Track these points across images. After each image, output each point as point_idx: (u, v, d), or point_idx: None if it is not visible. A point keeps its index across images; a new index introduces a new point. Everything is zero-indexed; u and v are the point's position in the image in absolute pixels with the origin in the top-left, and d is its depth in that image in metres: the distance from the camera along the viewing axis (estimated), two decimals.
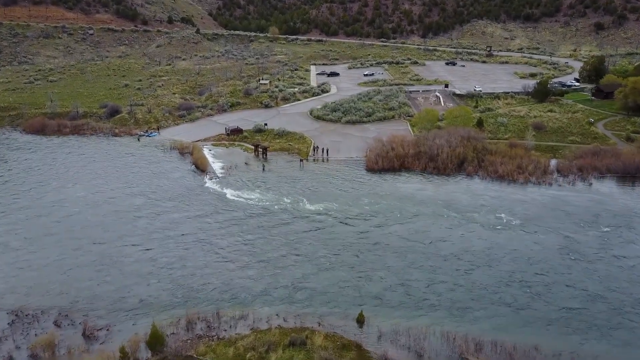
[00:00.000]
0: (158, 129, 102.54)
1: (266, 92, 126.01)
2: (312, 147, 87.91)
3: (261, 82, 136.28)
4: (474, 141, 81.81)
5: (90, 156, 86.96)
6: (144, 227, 60.27)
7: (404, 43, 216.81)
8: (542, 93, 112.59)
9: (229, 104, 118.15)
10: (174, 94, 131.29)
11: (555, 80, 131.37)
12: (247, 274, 49.92)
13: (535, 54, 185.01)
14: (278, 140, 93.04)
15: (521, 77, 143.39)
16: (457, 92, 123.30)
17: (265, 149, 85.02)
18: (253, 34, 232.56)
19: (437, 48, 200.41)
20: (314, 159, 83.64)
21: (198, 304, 45.33)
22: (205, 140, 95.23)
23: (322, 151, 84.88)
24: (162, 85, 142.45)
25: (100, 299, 46.50)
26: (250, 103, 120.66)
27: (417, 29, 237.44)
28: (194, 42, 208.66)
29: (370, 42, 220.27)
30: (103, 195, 69.77)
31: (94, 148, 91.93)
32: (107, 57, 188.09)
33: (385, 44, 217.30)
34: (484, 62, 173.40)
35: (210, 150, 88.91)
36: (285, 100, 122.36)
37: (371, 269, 50.32)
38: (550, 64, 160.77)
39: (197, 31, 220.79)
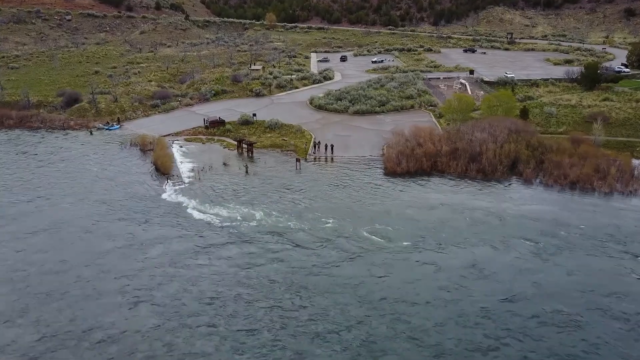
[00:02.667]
0: (119, 121, 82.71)
1: (258, 79, 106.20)
2: (312, 143, 68.21)
3: (253, 68, 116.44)
4: (525, 135, 61.98)
5: (17, 155, 67.12)
6: (43, 264, 40.47)
7: (413, 31, 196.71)
8: (591, 79, 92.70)
9: (213, 92, 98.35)
10: (150, 81, 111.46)
11: (603, 65, 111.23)
12: None
13: (563, 41, 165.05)
14: (269, 135, 73.34)
15: (555, 64, 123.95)
16: (485, 78, 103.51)
17: (250, 146, 65.20)
18: (248, 21, 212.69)
19: (452, 36, 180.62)
20: (314, 158, 63.94)
21: None
22: (177, 134, 75.49)
23: (325, 148, 65.18)
24: (139, 72, 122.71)
25: None
26: (239, 91, 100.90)
27: (427, 16, 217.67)
28: (182, 29, 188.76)
29: (376, 30, 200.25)
30: (7, 209, 50.01)
31: (32, 144, 72.08)
32: (83, 44, 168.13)
33: (393, 32, 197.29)
34: (506, 49, 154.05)
35: (181, 146, 69.17)
36: (281, 88, 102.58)
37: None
38: (584, 51, 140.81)
39: (186, 18, 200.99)
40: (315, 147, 66.31)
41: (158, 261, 39.75)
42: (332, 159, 63.72)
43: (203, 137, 74.15)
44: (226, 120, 78.14)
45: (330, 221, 45.47)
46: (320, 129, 75.05)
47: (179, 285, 36.61)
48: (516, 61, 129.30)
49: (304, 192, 52.51)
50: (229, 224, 45.65)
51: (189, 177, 56.87)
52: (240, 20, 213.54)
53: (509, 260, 39.07)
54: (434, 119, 79.02)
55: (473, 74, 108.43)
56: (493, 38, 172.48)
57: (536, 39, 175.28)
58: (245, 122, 78.15)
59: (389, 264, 38.80)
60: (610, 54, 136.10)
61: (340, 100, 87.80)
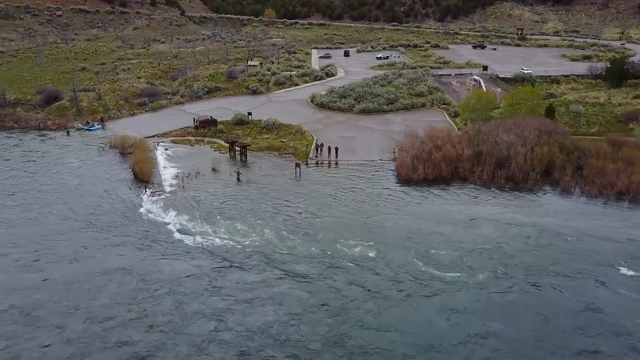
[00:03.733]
0: (102, 121, 74.98)
1: (255, 76, 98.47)
2: (313, 145, 60.58)
3: (249, 63, 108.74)
4: (557, 137, 54.29)
5: None
6: None
7: (418, 27, 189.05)
8: (618, 75, 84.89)
9: (206, 89, 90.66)
10: (139, 78, 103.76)
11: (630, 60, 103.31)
12: None
13: (577, 37, 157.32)
14: (266, 136, 65.65)
15: (572, 60, 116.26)
16: (500, 75, 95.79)
17: (244, 148, 57.48)
18: (246, 17, 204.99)
19: (459, 32, 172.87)
20: (316, 163, 56.30)
21: None
22: (163, 135, 67.78)
23: (329, 151, 57.50)
24: (128, 68, 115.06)
25: None
26: (234, 88, 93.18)
27: (432, 12, 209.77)
28: (177, 25, 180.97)
29: (379, 27, 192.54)
30: None
31: (2, 146, 64.37)
32: (73, 40, 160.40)
33: (397, 28, 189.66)
34: (517, 45, 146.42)
35: (166, 149, 61.43)
36: (279, 85, 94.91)
37: None
38: (601, 47, 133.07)
39: (182, 13, 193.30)
40: (317, 150, 58.67)
41: (132, 296, 32.05)
42: (336, 163, 56.09)
43: (192, 138, 66.46)
44: (218, 120, 70.46)
45: (345, 243, 37.75)
46: (323, 130, 67.37)
47: (139, 337, 28.89)
48: (530, 57, 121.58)
49: (306, 203, 44.81)
50: (212, 245, 37.95)
51: (171, 186, 49.15)
52: (238, 17, 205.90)
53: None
54: (448, 119, 71.37)
55: (487, 70, 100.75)
56: (502, 34, 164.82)
57: (547, 35, 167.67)
58: (240, 122, 70.44)
59: (475, 308, 29.99)
60: (630, 49, 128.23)
61: (345, 98, 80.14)
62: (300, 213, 42.71)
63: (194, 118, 71.45)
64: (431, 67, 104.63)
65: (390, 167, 53.77)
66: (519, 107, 63.29)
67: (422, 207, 43.81)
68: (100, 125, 73.28)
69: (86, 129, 72.03)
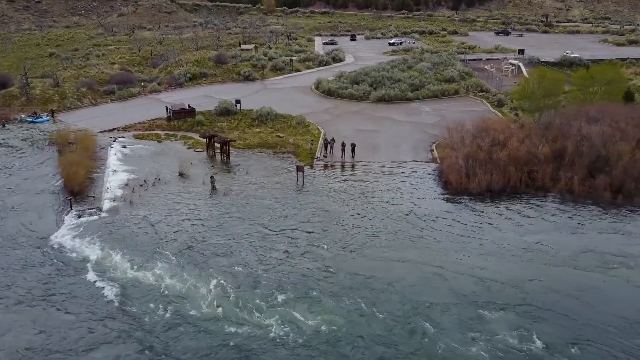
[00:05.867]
0: (52, 112, 59.32)
1: (249, 61, 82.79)
2: (321, 141, 45.03)
3: (242, 47, 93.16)
4: None
5: None
6: None
7: (430, 15, 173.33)
8: None
9: (189, 75, 75.05)
10: (113, 64, 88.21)
11: None
12: None
13: (610, 24, 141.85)
14: (258, 130, 50.11)
15: (617, 44, 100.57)
16: (542, 59, 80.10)
17: (226, 145, 41.74)
18: (243, 5, 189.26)
19: (476, 19, 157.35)
20: (325, 165, 40.73)
21: None
22: (126, 128, 52.22)
23: (343, 149, 41.84)
24: (103, 54, 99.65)
25: None
26: (223, 75, 77.57)
27: (445, 0, 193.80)
28: (167, 12, 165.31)
29: (388, 15, 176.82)
30: None
31: None
32: (50, 27, 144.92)
33: (407, 16, 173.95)
34: (545, 32, 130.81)
35: (124, 147, 45.78)
36: (277, 71, 79.37)
37: None
38: None
39: (173, 0, 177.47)
40: (326, 147, 43.04)
41: None
42: (352, 165, 40.53)
43: (162, 132, 50.88)
44: (199, 110, 54.97)
45: (385, 315, 22.09)
46: (332, 122, 51.82)
47: None
48: (567, 43, 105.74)
49: (312, 230, 29.21)
50: (161, 310, 22.36)
51: (114, 200, 33.49)
52: (234, 4, 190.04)
53: None
54: (491, 108, 55.78)
55: (523, 53, 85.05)
56: (525, 21, 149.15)
57: (575, 22, 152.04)
58: (225, 112, 54.89)
59: None
60: None
61: (357, 83, 64.51)
62: (303, 253, 27.00)
63: (166, 107, 55.90)
64: (458, 52, 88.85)
65: (430, 172, 38.19)
66: (594, 91, 47.57)
67: (498, 237, 28.16)
68: (48, 117, 57.65)
69: (30, 121, 56.43)
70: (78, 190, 33.93)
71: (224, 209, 32.03)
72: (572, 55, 79.76)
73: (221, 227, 29.58)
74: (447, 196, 33.48)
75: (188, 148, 45.54)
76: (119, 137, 48.90)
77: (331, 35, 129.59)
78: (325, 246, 27.36)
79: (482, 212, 31.13)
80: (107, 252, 26.88)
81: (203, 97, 63.59)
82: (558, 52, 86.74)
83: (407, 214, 30.89)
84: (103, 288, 23.93)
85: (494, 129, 38.85)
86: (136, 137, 49.26)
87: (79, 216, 30.77)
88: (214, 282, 24.21)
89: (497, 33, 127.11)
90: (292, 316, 21.66)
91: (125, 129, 52.29)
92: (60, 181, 36.15)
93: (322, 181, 37.25)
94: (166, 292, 23.58)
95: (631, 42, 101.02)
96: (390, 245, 27.43)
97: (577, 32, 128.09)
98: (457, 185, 33.92)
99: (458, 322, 21.16)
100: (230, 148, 42.38)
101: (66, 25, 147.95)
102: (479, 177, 33.46)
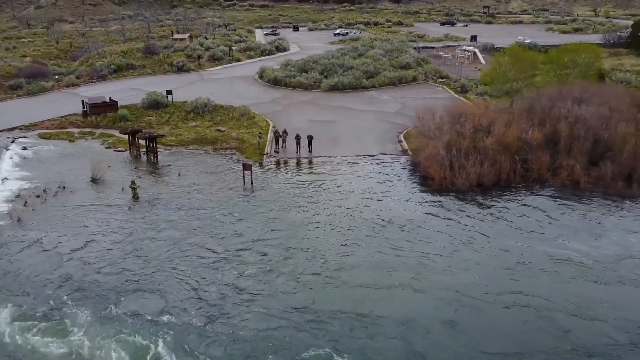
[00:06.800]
0: None
1: (183, 51, 74.16)
2: (270, 134, 38.00)
3: (175, 37, 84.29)
4: None
5: None
6: None
7: (373, 8, 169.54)
8: None
9: (113, 66, 65.67)
10: (24, 57, 77.11)
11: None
12: None
13: (551, 15, 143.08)
14: (194, 123, 42.32)
15: (563, 32, 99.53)
16: (497, 45, 76.60)
17: (152, 142, 33.75)
18: None
19: (419, 12, 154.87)
20: (277, 162, 33.74)
21: None
22: (30, 127, 42.90)
23: (298, 143, 34.90)
24: (14, 47, 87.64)
25: None
26: (153, 66, 68.64)
27: None
28: (92, 4, 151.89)
29: (330, 8, 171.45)
30: None
31: None
32: None
33: (349, 9, 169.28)
34: (488, 22, 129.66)
35: (24, 148, 36.83)
36: (216, 61, 71.40)
37: None
38: (585, 22, 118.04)
39: None
40: (277, 141, 36.02)
41: None
42: (310, 161, 33.78)
43: (76, 130, 42.03)
44: (123, 103, 46.44)
45: None
46: (282, 113, 44.86)
47: None
48: (514, 31, 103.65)
49: (269, 251, 22.17)
50: None
51: None
52: None
53: None
54: (455, 95, 50.68)
55: (476, 40, 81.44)
56: (468, 13, 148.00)
57: (515, 13, 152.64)
58: (154, 105, 46.63)
59: None
60: (615, 24, 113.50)
61: (306, 72, 57.87)
62: (261, 287, 19.98)
63: (82, 101, 46.92)
64: (409, 41, 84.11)
65: (402, 165, 32.10)
66: (567, 73, 43.20)
67: (510, 246, 22.24)
68: None
69: None
70: None
71: (148, 224, 24.41)
72: (526, 41, 76.72)
73: (143, 252, 21.99)
74: (429, 195, 27.38)
75: (107, 148, 37.20)
76: (20, 137, 39.76)
77: (272, 27, 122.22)
78: (289, 274, 20.43)
79: (478, 213, 25.24)
80: None
81: (129, 90, 54.89)
82: (509, 39, 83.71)
83: (386, 221, 24.49)
84: None
85: (472, 113, 33.19)
86: (42, 136, 40.23)
87: None
88: (133, 345, 16.76)
89: (443, 24, 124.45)
90: None
91: (29, 127, 42.96)
92: None
93: (275, 182, 30.26)
94: None
95: (577, 30, 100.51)
96: (374, 266, 20.91)
97: (520, 22, 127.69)
98: (440, 181, 27.91)
99: None
100: (160, 145, 34.55)
101: None
102: (466, 169, 27.54)
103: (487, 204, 26.14)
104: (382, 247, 22.19)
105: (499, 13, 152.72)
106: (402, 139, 36.87)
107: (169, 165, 32.64)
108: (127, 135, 35.45)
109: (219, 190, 28.71)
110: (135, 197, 27.03)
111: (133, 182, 27.29)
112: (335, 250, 22.07)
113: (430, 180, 28.33)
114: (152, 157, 33.56)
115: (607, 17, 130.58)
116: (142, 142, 34.24)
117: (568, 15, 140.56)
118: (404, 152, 34.57)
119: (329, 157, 34.20)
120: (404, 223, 24.27)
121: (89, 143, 38.57)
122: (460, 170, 27.86)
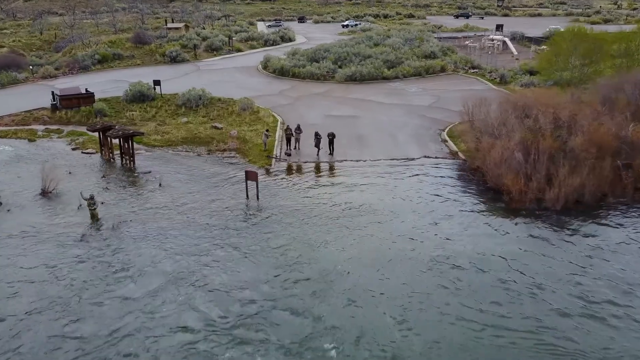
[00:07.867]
0: None
1: (177, 41, 66.41)
2: (279, 131, 30.26)
3: (170, 26, 76.59)
4: None
5: None
6: None
7: (380, 1, 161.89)
8: None
9: (97, 57, 57.97)
10: (2, 47, 69.48)
11: None
12: None
13: (571, 7, 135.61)
14: (185, 119, 34.50)
15: (592, 23, 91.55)
16: (527, 34, 68.98)
17: (127, 141, 25.97)
18: None
19: (430, 4, 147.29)
20: (288, 167, 25.94)
21: None
22: None
23: (317, 143, 27.08)
24: None
25: None
26: (143, 56, 60.92)
27: None
28: None
29: (335, 1, 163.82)
30: None
31: None
32: None
33: (356, 2, 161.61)
34: (505, 15, 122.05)
35: None
36: (214, 51, 63.66)
37: None
38: (610, 13, 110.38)
39: None
40: (289, 141, 28.21)
41: None
42: (331, 166, 26.02)
43: (41, 127, 34.30)
44: (102, 96, 38.75)
45: None
46: (292, 107, 37.15)
47: None
48: (536, 23, 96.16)
49: (294, 307, 14.49)
50: None
51: None
52: None
53: None
54: (494, 87, 42.94)
55: (502, 30, 73.66)
56: (481, 6, 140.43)
57: (531, 6, 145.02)
58: (139, 98, 38.87)
59: None
60: None
61: (317, 61, 50.14)
62: None
63: (52, 92, 39.18)
64: (429, 31, 76.51)
65: (456, 172, 24.38)
66: (631, 56, 35.48)
67: None
68: None
69: None
70: None
71: (104, 268, 16.62)
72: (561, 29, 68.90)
73: (84, 324, 14.20)
74: (508, 218, 19.58)
75: (74, 149, 29.44)
76: None
77: (275, 19, 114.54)
78: (327, 348, 12.74)
79: (597, 246, 17.44)
80: None
81: (113, 82, 47.21)
82: (536, 30, 76.28)
83: (451, 261, 16.71)
84: None
85: (545, 104, 25.38)
86: None
87: None
88: None
89: (457, 16, 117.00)
90: None
91: None
92: None
93: (290, 196, 22.52)
94: None
95: (606, 21, 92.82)
96: (446, 337, 13.21)
97: (539, 15, 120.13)
98: (519, 196, 20.10)
99: None
100: (140, 146, 26.81)
101: None
102: (558, 179, 19.75)
103: (607, 233, 18.33)
104: (454, 307, 14.42)
105: (513, 6, 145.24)
106: (447, 137, 29.12)
107: (149, 172, 24.89)
108: (97, 133, 27.66)
109: (212, 207, 20.99)
110: (94, 218, 19.26)
111: (91, 198, 19.45)
112: (384, 306, 14.33)
113: (505, 194, 20.55)
114: (127, 161, 25.81)
115: (633, 9, 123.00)
116: (114, 142, 26.46)
117: (589, 8, 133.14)
118: (453, 154, 26.85)
119: (356, 161, 26.46)
120: (491, 267, 16.47)
121: (53, 143, 30.83)
122: (545, 180, 20.06)
